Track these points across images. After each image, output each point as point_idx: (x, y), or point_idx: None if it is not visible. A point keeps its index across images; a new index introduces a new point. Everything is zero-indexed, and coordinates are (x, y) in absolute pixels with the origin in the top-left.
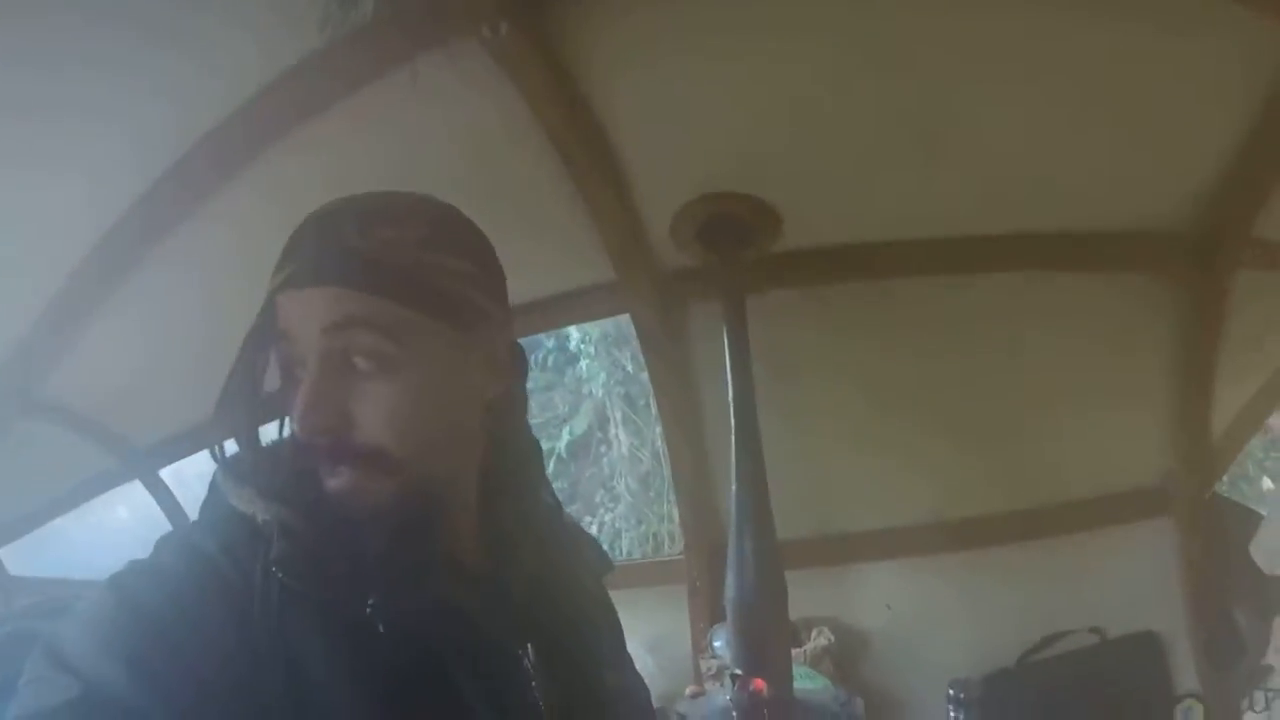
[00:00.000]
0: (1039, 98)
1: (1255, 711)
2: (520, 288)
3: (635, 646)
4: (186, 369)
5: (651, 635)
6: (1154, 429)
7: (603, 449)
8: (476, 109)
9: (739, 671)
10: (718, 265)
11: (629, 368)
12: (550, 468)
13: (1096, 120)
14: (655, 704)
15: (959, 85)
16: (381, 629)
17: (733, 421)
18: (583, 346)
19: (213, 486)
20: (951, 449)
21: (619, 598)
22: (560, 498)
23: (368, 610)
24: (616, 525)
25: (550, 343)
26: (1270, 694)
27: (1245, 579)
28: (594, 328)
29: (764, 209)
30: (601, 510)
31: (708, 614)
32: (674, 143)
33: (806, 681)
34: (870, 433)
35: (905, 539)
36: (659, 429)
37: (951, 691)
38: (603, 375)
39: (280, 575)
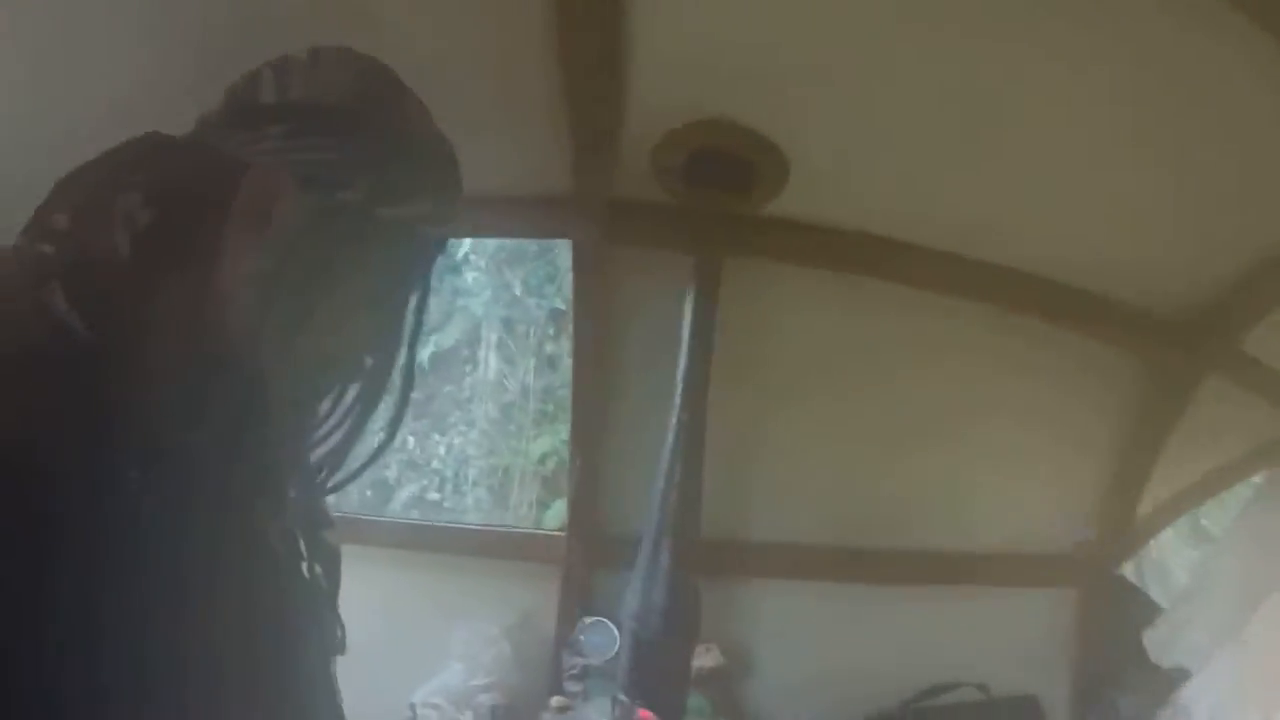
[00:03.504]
0: (1083, 129)
1: None
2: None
3: (493, 629)
4: None
5: (512, 616)
6: (1078, 498)
7: (467, 368)
8: None
9: (623, 698)
10: (700, 210)
11: (517, 291)
12: None
13: (1135, 174)
14: (510, 701)
15: (1005, 93)
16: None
17: (678, 403)
18: (472, 258)
19: None
20: (872, 473)
21: (479, 567)
22: (414, 411)
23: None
24: (467, 451)
25: None
26: None
27: (1134, 665)
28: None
29: (771, 152)
30: (453, 432)
31: (577, 602)
32: (690, 46)
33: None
34: (789, 438)
35: (802, 558)
36: (532, 361)
37: None
38: (488, 293)
39: None
